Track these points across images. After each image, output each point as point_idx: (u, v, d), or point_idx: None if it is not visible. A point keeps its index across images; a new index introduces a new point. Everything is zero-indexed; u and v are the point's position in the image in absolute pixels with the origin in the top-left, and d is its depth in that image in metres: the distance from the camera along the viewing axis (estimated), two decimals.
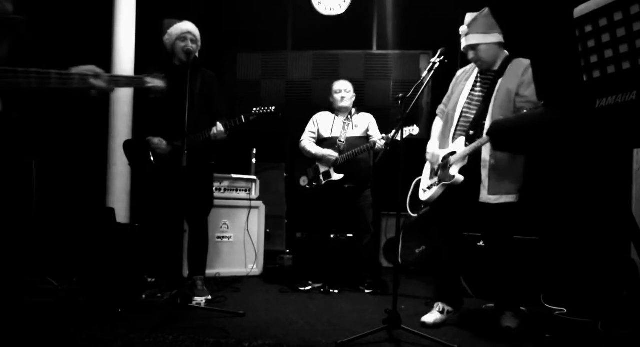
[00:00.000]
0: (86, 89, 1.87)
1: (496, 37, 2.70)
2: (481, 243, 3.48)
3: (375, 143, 3.64)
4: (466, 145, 2.65)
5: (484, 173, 2.60)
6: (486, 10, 2.71)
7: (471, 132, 2.65)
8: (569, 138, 1.39)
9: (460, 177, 2.65)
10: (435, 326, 2.70)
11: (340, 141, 3.80)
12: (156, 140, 3.17)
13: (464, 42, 2.74)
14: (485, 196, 2.60)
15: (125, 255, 3.13)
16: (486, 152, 2.60)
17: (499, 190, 2.59)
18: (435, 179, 2.79)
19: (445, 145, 2.81)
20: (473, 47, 2.71)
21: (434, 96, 4.86)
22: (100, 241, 3.15)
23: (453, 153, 2.71)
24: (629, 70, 1.16)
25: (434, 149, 2.87)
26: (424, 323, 2.71)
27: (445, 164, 2.74)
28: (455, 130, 2.76)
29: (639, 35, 1.13)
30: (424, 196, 2.89)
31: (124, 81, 2.14)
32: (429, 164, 2.93)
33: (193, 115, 3.03)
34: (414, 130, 3.54)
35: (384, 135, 3.62)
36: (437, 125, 2.97)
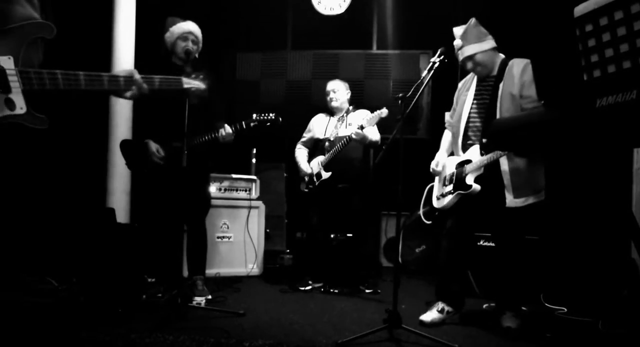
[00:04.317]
0: (119, 91, 1.85)
1: (490, 43, 2.72)
2: (482, 242, 3.48)
3: (350, 136, 3.52)
4: (482, 154, 2.65)
5: (506, 178, 2.61)
6: (473, 20, 2.75)
7: (484, 140, 2.65)
8: (569, 138, 1.39)
9: (477, 187, 2.66)
10: (432, 324, 2.70)
11: (329, 141, 3.79)
12: (154, 148, 3.16)
13: (460, 55, 2.76)
14: (511, 201, 2.61)
15: (125, 255, 3.13)
16: (503, 158, 2.61)
17: (525, 192, 2.60)
18: (450, 187, 2.80)
19: (457, 154, 2.83)
20: (470, 57, 2.73)
21: (434, 96, 4.86)
22: (100, 241, 3.14)
23: (468, 161, 2.72)
24: (630, 69, 1.16)
25: (439, 163, 2.89)
26: (421, 321, 2.72)
27: (460, 172, 2.74)
28: (464, 139, 2.78)
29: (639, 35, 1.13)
30: (437, 203, 2.90)
31: (159, 82, 2.01)
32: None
33: (192, 117, 3.03)
34: (383, 113, 3.42)
35: (357, 124, 3.51)
36: (446, 137, 3.00)
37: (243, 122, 3.19)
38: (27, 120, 1.58)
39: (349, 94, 3.92)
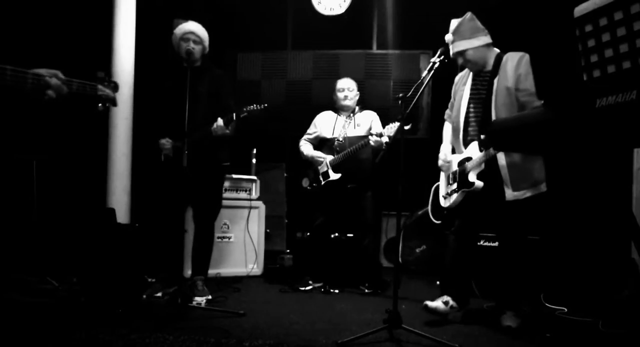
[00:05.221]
0: (40, 90, 1.81)
1: (482, 40, 2.71)
2: (483, 242, 3.48)
3: (368, 141, 3.54)
4: (481, 150, 2.65)
5: (504, 172, 2.62)
6: (469, 15, 2.73)
7: (482, 137, 2.66)
8: (569, 138, 1.39)
9: (480, 183, 2.67)
10: (434, 312, 2.72)
11: (338, 141, 3.78)
12: (163, 140, 3.22)
13: (451, 50, 2.75)
14: (511, 194, 2.61)
15: (125, 255, 3.13)
16: (500, 153, 2.61)
17: (524, 185, 2.60)
18: (455, 186, 2.80)
19: (459, 150, 2.83)
20: (461, 53, 2.72)
21: (434, 96, 4.86)
22: (100, 241, 3.15)
23: (469, 159, 2.73)
24: (629, 69, 1.16)
25: (447, 154, 2.89)
26: (425, 306, 2.73)
27: (462, 170, 2.75)
28: (465, 135, 2.78)
29: (639, 35, 1.13)
30: (445, 202, 2.91)
31: (76, 85, 2.02)
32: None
33: (199, 115, 3.03)
34: (407, 127, 3.44)
35: (376, 131, 3.52)
36: (447, 129, 2.99)
37: (233, 114, 3.15)
38: None
39: (358, 95, 3.92)
